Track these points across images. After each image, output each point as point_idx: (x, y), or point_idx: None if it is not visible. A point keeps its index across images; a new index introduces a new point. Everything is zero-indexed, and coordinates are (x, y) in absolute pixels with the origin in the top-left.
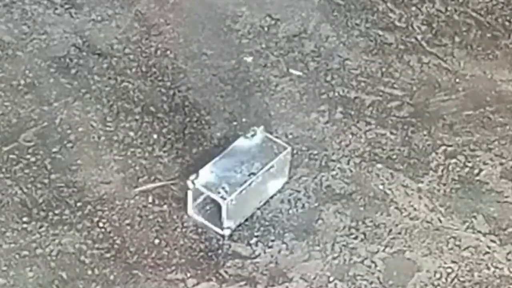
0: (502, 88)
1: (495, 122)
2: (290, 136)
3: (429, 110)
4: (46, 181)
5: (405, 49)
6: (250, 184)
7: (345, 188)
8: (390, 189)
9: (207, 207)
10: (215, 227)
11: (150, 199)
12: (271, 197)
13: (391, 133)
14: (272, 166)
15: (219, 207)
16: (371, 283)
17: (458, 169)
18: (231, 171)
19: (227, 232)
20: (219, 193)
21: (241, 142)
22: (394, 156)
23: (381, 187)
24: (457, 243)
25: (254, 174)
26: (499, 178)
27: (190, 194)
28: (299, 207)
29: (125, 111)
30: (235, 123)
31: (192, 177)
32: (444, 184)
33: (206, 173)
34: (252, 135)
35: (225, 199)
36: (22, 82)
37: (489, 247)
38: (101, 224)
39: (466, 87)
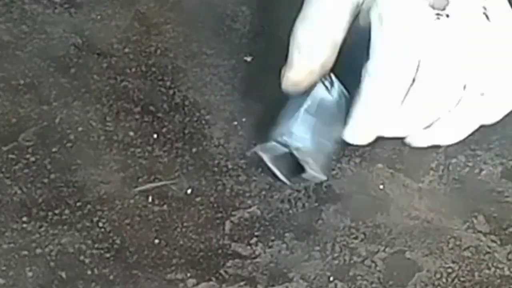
0: None
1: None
2: None
3: None
4: (45, 180)
5: None
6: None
7: (345, 188)
8: (390, 189)
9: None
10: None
11: (150, 199)
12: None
13: None
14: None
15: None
16: (371, 283)
17: (458, 168)
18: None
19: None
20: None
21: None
22: (394, 156)
23: (381, 187)
24: (458, 243)
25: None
26: (500, 178)
27: None
28: (299, 207)
29: (125, 111)
30: (235, 123)
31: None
32: (445, 184)
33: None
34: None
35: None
36: (22, 81)
37: (489, 247)
38: (100, 224)
39: None
